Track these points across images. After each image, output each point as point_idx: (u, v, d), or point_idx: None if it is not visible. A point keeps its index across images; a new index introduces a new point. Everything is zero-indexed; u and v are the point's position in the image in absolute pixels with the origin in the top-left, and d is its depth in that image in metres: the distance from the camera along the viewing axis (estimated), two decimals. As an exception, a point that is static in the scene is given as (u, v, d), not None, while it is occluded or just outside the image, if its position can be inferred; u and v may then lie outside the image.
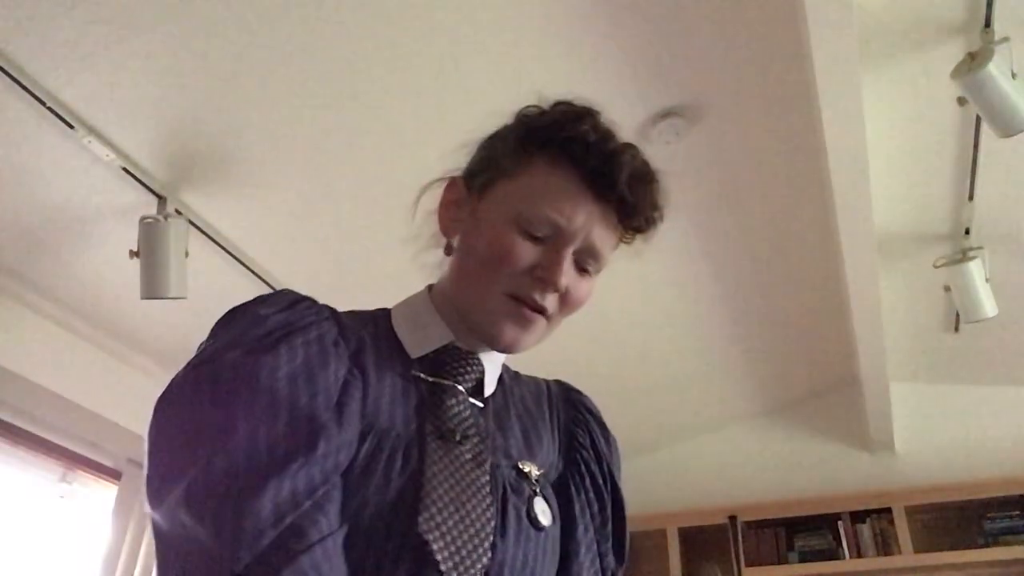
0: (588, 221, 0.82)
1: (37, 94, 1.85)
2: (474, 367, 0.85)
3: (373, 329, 0.85)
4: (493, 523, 0.74)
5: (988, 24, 2.05)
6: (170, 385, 0.73)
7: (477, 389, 0.85)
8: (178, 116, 2.02)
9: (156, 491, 0.68)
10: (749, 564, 3.78)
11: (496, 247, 0.81)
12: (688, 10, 2.02)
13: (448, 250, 0.88)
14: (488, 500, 0.75)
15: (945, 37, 2.17)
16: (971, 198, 2.73)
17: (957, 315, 3.25)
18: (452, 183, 0.90)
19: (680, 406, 4.03)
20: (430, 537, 0.69)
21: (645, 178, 0.84)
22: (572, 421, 0.93)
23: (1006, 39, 2.04)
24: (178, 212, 2.20)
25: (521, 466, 0.82)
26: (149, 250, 2.09)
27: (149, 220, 2.12)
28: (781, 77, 2.25)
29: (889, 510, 3.69)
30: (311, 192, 2.33)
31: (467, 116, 2.46)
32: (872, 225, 2.48)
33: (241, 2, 1.78)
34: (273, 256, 2.52)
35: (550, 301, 0.83)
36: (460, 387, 0.83)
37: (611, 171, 0.81)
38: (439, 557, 0.69)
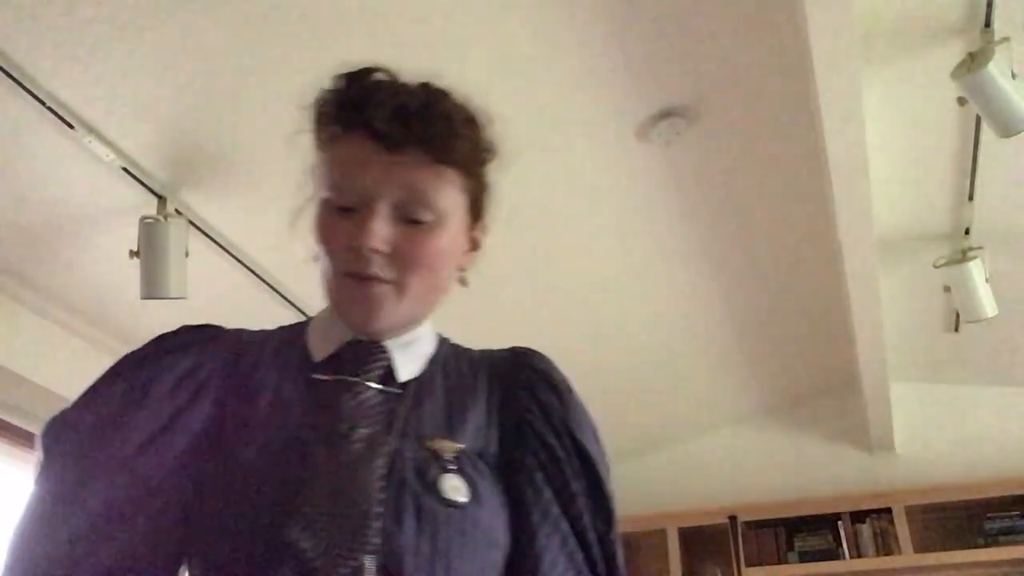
0: (387, 173, 0.79)
1: (37, 94, 1.84)
2: (377, 356, 0.84)
3: (285, 341, 0.88)
4: (378, 510, 0.72)
5: (988, 24, 2.05)
6: None
7: (391, 376, 0.84)
8: (178, 116, 2.02)
9: None
10: (749, 564, 3.78)
11: (319, 233, 0.82)
12: (688, 10, 2.02)
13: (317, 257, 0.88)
14: (376, 488, 0.74)
15: (945, 37, 2.17)
16: (971, 198, 2.73)
17: (957, 315, 3.25)
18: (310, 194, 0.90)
19: (680, 406, 4.03)
20: (300, 538, 0.71)
21: (421, 112, 0.80)
22: (516, 384, 0.88)
23: (1006, 39, 2.04)
24: (178, 212, 2.20)
25: (432, 445, 0.79)
26: (149, 250, 2.10)
27: (149, 220, 2.12)
28: (781, 77, 2.25)
29: (889, 510, 3.69)
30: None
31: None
32: (872, 225, 2.48)
33: (241, 2, 1.78)
34: (273, 256, 2.51)
35: (378, 265, 0.79)
36: (360, 379, 0.81)
37: (375, 117, 0.78)
38: (310, 555, 0.70)
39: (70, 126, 1.94)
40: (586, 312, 3.11)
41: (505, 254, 2.76)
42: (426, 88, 0.84)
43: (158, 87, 1.93)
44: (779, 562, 3.78)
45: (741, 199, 2.74)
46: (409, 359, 0.86)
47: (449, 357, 0.90)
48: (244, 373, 0.84)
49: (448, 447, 0.79)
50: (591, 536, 0.83)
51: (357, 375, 0.82)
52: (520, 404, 0.86)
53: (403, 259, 0.80)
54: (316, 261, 0.86)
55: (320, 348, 0.86)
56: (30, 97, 1.84)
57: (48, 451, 0.81)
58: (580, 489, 0.84)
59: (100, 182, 2.13)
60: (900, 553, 3.59)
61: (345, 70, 0.84)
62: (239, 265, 2.47)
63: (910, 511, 3.67)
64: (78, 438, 0.80)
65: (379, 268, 0.79)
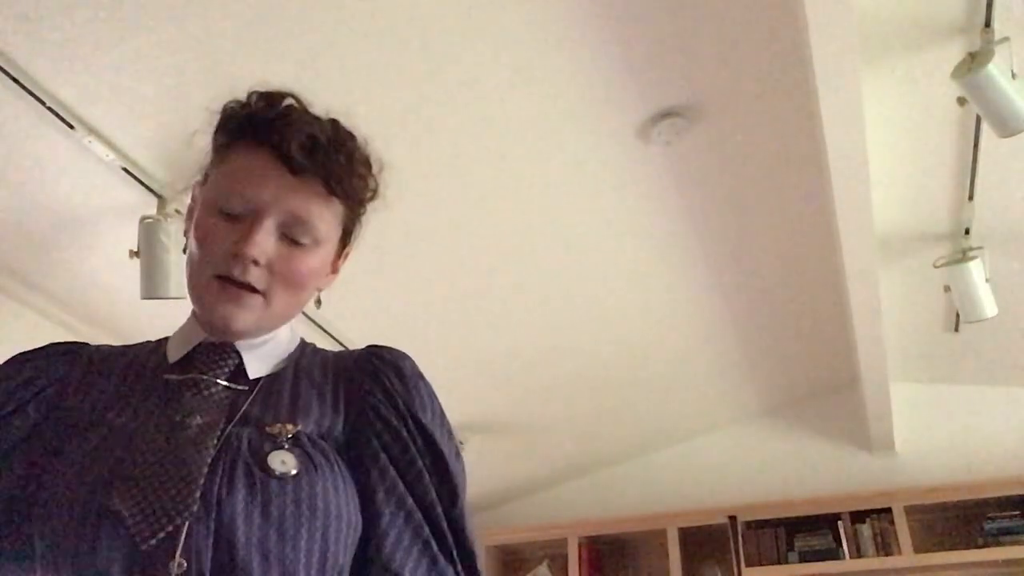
0: (280, 193, 0.85)
1: (37, 94, 1.85)
2: (227, 356, 0.89)
3: (149, 351, 0.95)
4: (201, 481, 0.77)
5: (988, 24, 2.05)
6: None
7: (240, 374, 0.89)
8: (178, 116, 2.02)
9: None
10: (749, 564, 3.78)
11: (199, 232, 0.86)
12: (688, 10, 2.02)
13: (185, 251, 0.92)
14: (202, 458, 0.78)
15: (945, 37, 2.17)
16: (971, 198, 2.73)
17: (957, 315, 3.25)
18: (192, 189, 0.94)
19: (680, 406, 4.03)
20: (122, 504, 0.75)
21: (328, 146, 0.87)
22: (363, 373, 0.93)
23: (1006, 39, 2.04)
24: (178, 212, 2.20)
25: (271, 430, 0.83)
26: (149, 250, 2.10)
27: (149, 220, 2.13)
28: (781, 77, 2.26)
29: (889, 510, 3.69)
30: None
31: (467, 115, 2.45)
32: (872, 225, 2.48)
33: (240, 2, 1.78)
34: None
35: (254, 275, 0.85)
36: (208, 376, 0.87)
37: (286, 143, 0.85)
38: (129, 520, 0.74)
39: (70, 126, 1.94)
40: (586, 312, 3.11)
41: (504, 254, 2.76)
42: (335, 125, 0.91)
43: (158, 87, 1.93)
44: (779, 562, 3.78)
45: (741, 199, 2.74)
46: (259, 358, 0.91)
47: (304, 358, 0.96)
48: (92, 383, 0.90)
49: (285, 429, 0.84)
50: (438, 511, 0.87)
51: (207, 373, 0.87)
52: (365, 389, 0.91)
53: (275, 274, 0.86)
54: (187, 255, 0.91)
55: (175, 351, 0.92)
56: (30, 97, 1.85)
57: None
58: (425, 467, 0.88)
59: (100, 182, 2.13)
60: (900, 553, 3.59)
61: (261, 89, 0.93)
62: (239, 265, 2.47)
63: (910, 511, 3.67)
64: None
65: (253, 278, 0.85)
